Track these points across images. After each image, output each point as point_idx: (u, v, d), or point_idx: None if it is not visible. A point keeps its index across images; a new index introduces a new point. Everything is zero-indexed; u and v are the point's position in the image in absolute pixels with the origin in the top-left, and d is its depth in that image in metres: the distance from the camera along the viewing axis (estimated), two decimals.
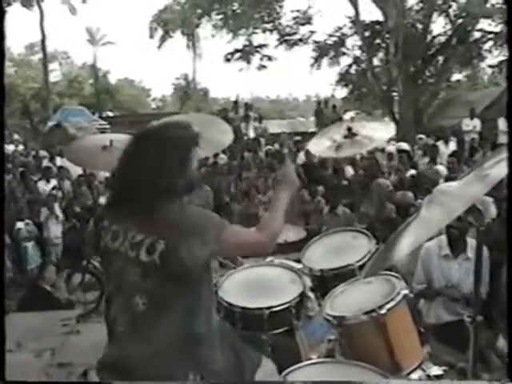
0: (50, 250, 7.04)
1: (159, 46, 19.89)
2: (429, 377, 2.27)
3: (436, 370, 2.36)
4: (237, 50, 16.49)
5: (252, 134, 12.92)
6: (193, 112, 18.54)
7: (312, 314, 2.92)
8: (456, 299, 3.74)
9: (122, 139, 2.55)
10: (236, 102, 15.30)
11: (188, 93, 33.88)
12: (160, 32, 19.03)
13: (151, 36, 19.51)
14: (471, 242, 3.76)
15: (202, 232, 1.75)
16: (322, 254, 3.06)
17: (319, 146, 3.15)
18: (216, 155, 8.83)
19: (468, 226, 3.72)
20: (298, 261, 3.15)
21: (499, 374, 3.14)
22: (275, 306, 2.53)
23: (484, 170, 1.66)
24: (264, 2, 15.48)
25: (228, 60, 16.69)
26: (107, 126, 17.08)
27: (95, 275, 5.36)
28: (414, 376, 2.22)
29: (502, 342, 3.36)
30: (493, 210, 4.53)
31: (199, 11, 16.08)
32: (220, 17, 15.92)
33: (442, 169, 7.04)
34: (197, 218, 1.80)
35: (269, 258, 3.45)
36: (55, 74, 33.10)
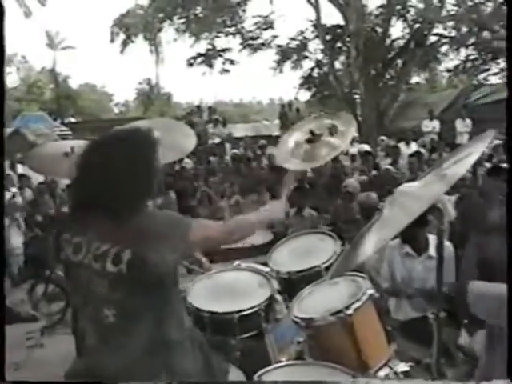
0: (10, 261, 6.84)
1: (121, 51, 19.65)
2: (396, 373, 2.32)
3: (402, 367, 2.41)
4: (200, 55, 16.44)
5: (217, 139, 12.90)
6: (156, 117, 18.36)
7: (280, 316, 2.93)
8: (409, 297, 3.84)
9: (84, 146, 2.50)
10: (199, 107, 15.26)
11: (151, 97, 33.58)
12: (122, 36, 18.78)
13: (112, 40, 19.23)
14: (434, 239, 3.85)
15: (169, 236, 1.73)
16: (289, 257, 3.09)
17: (285, 160, 3.11)
18: (181, 160, 8.77)
19: (425, 225, 3.83)
20: (265, 264, 3.16)
21: (464, 369, 3.24)
22: (245, 310, 2.54)
23: (443, 170, 1.71)
24: (227, 6, 15.51)
25: (191, 64, 16.62)
26: (69, 132, 16.70)
27: (59, 285, 5.24)
28: (382, 373, 2.26)
29: (465, 338, 3.46)
30: (452, 209, 4.65)
31: (161, 15, 15.97)
32: (182, 21, 15.86)
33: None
34: (163, 223, 1.77)
35: (236, 262, 3.45)
36: (12, 79, 32.23)
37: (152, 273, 1.69)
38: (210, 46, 16.33)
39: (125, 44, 18.83)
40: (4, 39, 2.13)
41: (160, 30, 17.38)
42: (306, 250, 3.09)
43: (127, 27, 18.15)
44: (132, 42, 18.87)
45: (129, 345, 1.72)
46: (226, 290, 2.78)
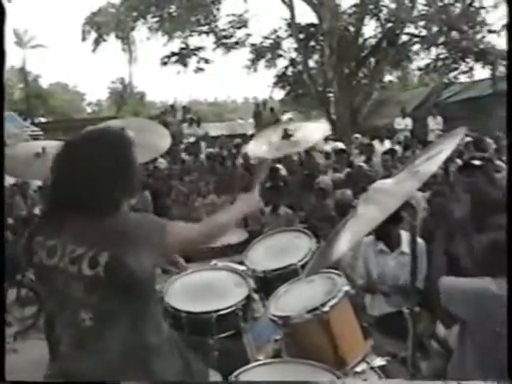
0: None
1: (93, 50, 19.36)
2: (372, 368, 2.35)
3: (379, 361, 2.44)
4: (173, 53, 16.31)
5: (191, 138, 12.84)
6: (130, 116, 18.15)
7: (257, 315, 2.94)
8: (384, 293, 3.90)
9: (55, 146, 2.46)
10: (173, 106, 15.16)
11: (124, 97, 33.18)
12: (93, 35, 18.51)
13: (84, 39, 18.94)
14: (407, 236, 3.92)
15: (147, 239, 1.71)
16: (265, 255, 3.10)
17: (257, 148, 3.17)
18: (155, 160, 8.70)
19: (399, 222, 3.89)
20: (242, 263, 3.16)
21: (438, 362, 3.29)
22: (222, 310, 2.54)
23: (415, 167, 1.73)
24: (201, 5, 15.42)
25: (165, 63, 16.48)
26: (40, 133, 16.37)
27: (32, 289, 5.14)
28: (359, 369, 2.28)
29: (441, 329, 3.52)
30: (424, 205, 4.74)
31: (134, 14, 15.79)
32: (156, 19, 15.71)
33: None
34: (140, 225, 1.75)
35: (213, 262, 3.44)
36: None
37: (129, 276, 1.67)
38: (183, 45, 16.22)
39: (97, 43, 18.57)
40: (4, 39, 2.09)
41: (133, 28, 17.20)
42: (282, 249, 3.11)
43: (99, 26, 17.91)
44: (104, 40, 18.63)
45: (106, 349, 1.69)
46: (203, 290, 2.77)
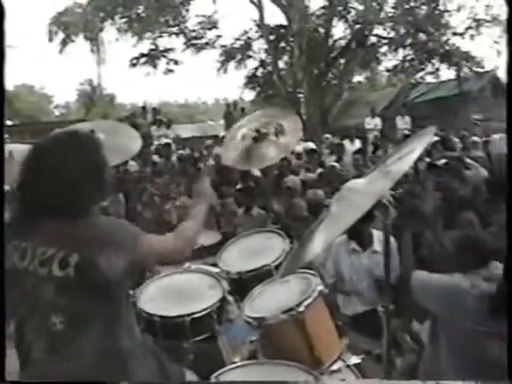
0: None
1: (60, 51, 18.98)
2: (348, 366, 2.37)
3: (355, 359, 2.47)
4: (143, 55, 16.16)
5: (162, 140, 12.72)
6: (99, 119, 17.88)
7: (232, 317, 2.92)
8: (353, 291, 3.94)
9: (22, 150, 2.40)
10: (144, 108, 14.99)
11: (93, 99, 32.62)
12: (61, 35, 18.15)
13: (51, 39, 18.56)
14: (378, 235, 3.97)
15: (117, 241, 1.69)
16: (239, 257, 3.08)
17: (229, 157, 3.11)
18: (126, 162, 8.58)
19: (371, 221, 3.94)
20: (215, 265, 3.14)
21: (412, 358, 3.34)
22: (196, 313, 2.51)
23: (387, 166, 1.75)
24: (169, 5, 15.32)
25: (134, 65, 16.31)
26: (5, 136, 15.97)
27: None
28: (335, 367, 2.29)
29: (415, 326, 3.58)
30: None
31: (102, 14, 15.57)
32: (124, 20, 15.52)
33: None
34: (111, 228, 1.74)
35: (186, 264, 3.41)
36: None
37: (100, 277, 1.65)
38: (153, 46, 16.09)
39: (64, 43, 18.23)
40: (4, 39, 2.05)
41: (101, 29, 16.95)
42: (256, 250, 3.10)
43: (66, 26, 17.59)
44: (72, 41, 18.31)
45: (78, 354, 1.66)
46: (177, 293, 2.74)
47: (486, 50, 14.80)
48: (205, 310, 2.54)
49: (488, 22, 14.35)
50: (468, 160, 6.55)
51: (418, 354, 3.25)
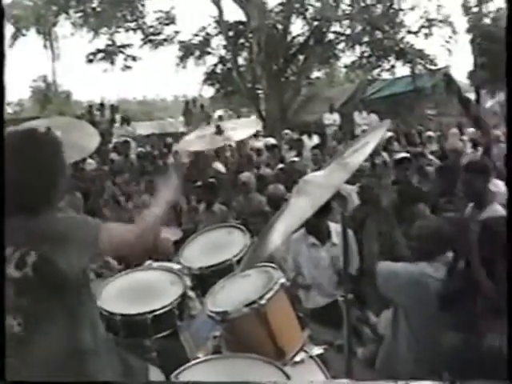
0: None
1: (11, 45, 18.34)
2: (311, 357, 2.41)
3: (317, 350, 2.51)
4: (99, 50, 15.80)
5: (121, 137, 12.51)
6: (55, 116, 17.42)
7: (194, 313, 2.92)
8: (313, 285, 4.01)
9: None
10: (102, 105, 14.69)
11: (48, 96, 31.67)
12: (11, 29, 17.53)
13: None
14: (336, 227, 4.05)
15: (77, 237, 1.66)
16: (200, 252, 3.08)
17: (187, 142, 3.14)
18: (84, 160, 8.40)
19: (328, 214, 4.01)
20: (177, 261, 3.13)
21: (372, 347, 3.43)
22: (158, 310, 2.49)
23: (344, 159, 1.79)
24: (126, 0, 15.05)
25: (90, 61, 15.93)
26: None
27: None
28: (298, 358, 2.33)
29: (372, 317, 3.67)
30: (355, 197, 4.91)
31: (54, 8, 15.13)
32: (79, 15, 15.14)
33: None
34: (70, 224, 1.71)
35: (147, 262, 3.38)
36: None
37: (60, 276, 1.62)
38: (110, 42, 15.76)
39: (15, 38, 17.64)
40: (4, 39, 1.97)
41: (55, 23, 16.49)
42: (217, 245, 3.10)
43: (16, 19, 17.00)
44: (23, 35, 17.74)
45: (39, 355, 1.63)
46: (138, 291, 2.71)
47: (438, 48, 15.20)
48: (166, 306, 2.52)
49: (440, 21, 14.82)
50: (430, 156, 6.75)
51: (378, 343, 3.34)
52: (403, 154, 5.84)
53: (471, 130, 10.23)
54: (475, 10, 16.08)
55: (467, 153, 8.08)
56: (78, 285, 1.71)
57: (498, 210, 3.80)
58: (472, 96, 16.29)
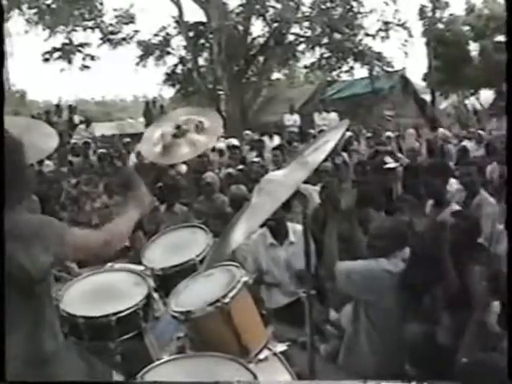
0: None
1: None
2: (275, 354, 2.44)
3: (280, 347, 2.55)
4: (56, 49, 15.43)
5: (79, 138, 12.25)
6: (9, 116, 16.85)
7: (158, 314, 2.91)
8: (274, 284, 4.06)
9: None
10: (59, 105, 14.34)
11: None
12: None
13: None
14: (293, 226, 4.11)
15: (42, 236, 1.64)
16: (162, 253, 3.06)
17: (150, 151, 3.06)
18: (41, 162, 8.20)
19: (286, 213, 4.07)
20: (139, 263, 3.11)
21: (334, 343, 3.50)
22: (122, 311, 2.46)
23: (304, 157, 1.83)
24: None
25: (47, 59, 15.54)
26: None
27: None
28: (262, 356, 2.35)
29: (332, 314, 3.74)
30: (316, 197, 4.99)
31: (6, 3, 14.63)
32: (34, 11, 14.71)
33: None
34: (34, 223, 1.69)
35: (109, 264, 3.34)
36: None
37: (24, 276, 1.59)
38: (67, 41, 15.41)
39: None
40: (4, 39, 1.89)
41: (7, 19, 15.96)
42: (179, 245, 3.09)
43: None
44: None
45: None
46: (101, 293, 2.67)
47: (395, 51, 15.65)
48: (130, 308, 2.49)
49: (397, 25, 15.24)
50: (399, 154, 6.90)
51: (340, 339, 3.41)
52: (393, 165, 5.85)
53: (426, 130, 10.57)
54: (430, 14, 16.57)
55: (423, 153, 8.34)
56: (40, 288, 1.69)
57: (457, 208, 4.00)
58: (427, 97, 16.80)
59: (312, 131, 10.91)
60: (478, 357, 2.48)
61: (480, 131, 9.47)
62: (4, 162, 1.58)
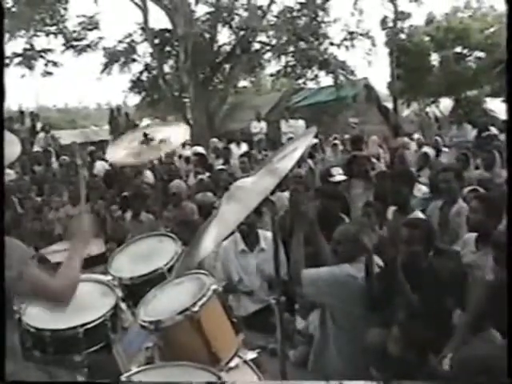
0: None
1: None
2: (245, 362, 2.43)
3: (251, 355, 2.54)
4: (16, 54, 15.06)
5: (42, 146, 11.97)
6: None
7: (126, 324, 2.86)
8: (245, 292, 4.05)
9: None
10: (22, 112, 13.98)
11: None
12: None
13: None
14: (263, 233, 4.12)
15: (7, 254, 1.59)
16: (130, 262, 3.02)
17: (116, 154, 3.08)
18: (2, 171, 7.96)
19: (257, 220, 4.08)
20: (105, 273, 3.05)
21: (303, 348, 3.52)
22: (90, 322, 2.42)
23: (273, 164, 1.84)
24: (45, 3, 14.43)
25: (6, 65, 15.13)
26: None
27: None
28: (233, 364, 2.34)
29: (300, 322, 3.75)
30: (285, 203, 5.02)
31: None
32: None
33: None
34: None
35: None
36: None
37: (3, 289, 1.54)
38: (28, 46, 15.06)
39: None
40: (3, 39, 1.81)
41: None
42: (147, 254, 3.05)
43: None
44: None
45: None
46: None
47: (359, 60, 15.98)
48: (98, 319, 2.45)
49: (360, 34, 15.57)
50: (373, 159, 6.94)
51: (309, 345, 3.43)
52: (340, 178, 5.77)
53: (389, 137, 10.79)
54: (391, 25, 16.97)
55: (386, 159, 8.50)
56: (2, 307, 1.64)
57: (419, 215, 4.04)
58: (390, 105, 17.16)
59: (279, 138, 10.98)
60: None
61: (437, 137, 9.72)
62: (4, 163, 1.54)
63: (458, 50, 17.49)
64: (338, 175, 5.44)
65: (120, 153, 2.98)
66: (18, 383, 1.63)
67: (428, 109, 17.50)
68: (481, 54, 16.73)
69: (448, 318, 2.91)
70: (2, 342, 1.59)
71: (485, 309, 2.70)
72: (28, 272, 1.69)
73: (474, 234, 3.56)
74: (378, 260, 3.50)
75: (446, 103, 17.43)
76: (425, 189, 5.40)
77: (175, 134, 3.13)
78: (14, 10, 14.21)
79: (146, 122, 15.52)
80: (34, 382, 1.63)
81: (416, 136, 10.96)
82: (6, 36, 14.45)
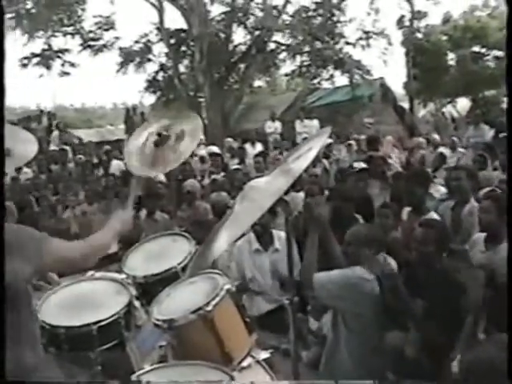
0: None
1: None
2: (258, 362, 2.43)
3: (264, 355, 2.54)
4: (34, 55, 15.24)
5: (58, 145, 12.10)
6: None
7: (140, 323, 2.88)
8: (258, 292, 4.05)
9: None
10: (42, 111, 14.15)
11: None
12: None
13: None
14: (277, 233, 4.11)
15: (21, 247, 1.61)
16: (144, 261, 3.04)
17: (132, 165, 2.99)
18: (19, 169, 8.08)
19: (271, 220, 4.06)
20: (120, 271, 3.07)
21: (316, 349, 3.50)
22: (103, 320, 2.44)
23: (287, 165, 1.84)
24: (63, 3, 14.59)
25: (25, 65, 15.32)
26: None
27: None
28: (245, 363, 2.34)
29: (313, 323, 3.74)
30: (300, 203, 5.00)
31: None
32: (11, 15, 14.50)
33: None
34: (14, 234, 1.65)
35: (89, 273, 3.29)
36: None
37: (3, 286, 1.55)
38: (46, 46, 15.23)
39: None
40: (4, 39, 1.87)
41: None
42: (161, 253, 3.07)
43: None
44: None
45: None
46: (81, 302, 2.63)
47: (375, 59, 15.89)
48: (112, 316, 2.47)
49: (376, 34, 15.47)
50: (390, 160, 6.89)
51: (322, 346, 3.41)
52: (362, 165, 5.76)
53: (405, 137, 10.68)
54: (408, 24, 16.84)
55: (401, 159, 8.43)
56: (20, 300, 1.66)
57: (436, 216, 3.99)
58: (406, 105, 17.03)
59: (294, 138, 10.95)
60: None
61: (454, 138, 9.60)
62: (4, 163, 1.56)
63: (476, 49, 17.28)
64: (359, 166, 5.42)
65: (135, 163, 2.91)
66: (18, 383, 1.64)
67: (444, 109, 17.33)
68: (499, 54, 16.49)
69: (462, 320, 2.88)
70: (1, 341, 1.60)
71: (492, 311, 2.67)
72: (48, 243, 1.73)
73: (483, 234, 3.52)
74: (391, 261, 3.49)
75: (463, 103, 17.26)
76: (443, 190, 5.33)
77: (191, 135, 3.07)
78: (32, 11, 14.41)
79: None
80: (33, 382, 1.64)
81: (432, 136, 10.84)
82: (25, 37, 14.69)
